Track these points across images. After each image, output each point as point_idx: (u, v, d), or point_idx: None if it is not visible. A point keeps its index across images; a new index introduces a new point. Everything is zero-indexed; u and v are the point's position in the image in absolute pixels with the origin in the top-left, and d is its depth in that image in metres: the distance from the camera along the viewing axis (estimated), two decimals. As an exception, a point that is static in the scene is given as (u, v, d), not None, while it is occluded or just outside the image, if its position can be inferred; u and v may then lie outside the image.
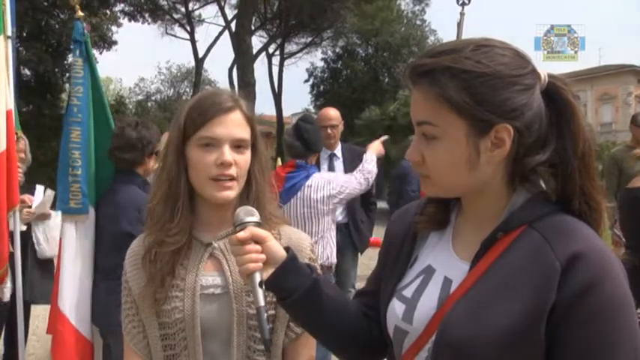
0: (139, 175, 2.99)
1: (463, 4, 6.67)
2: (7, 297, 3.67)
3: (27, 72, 17.50)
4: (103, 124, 3.34)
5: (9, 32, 3.45)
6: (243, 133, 1.38)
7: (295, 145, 3.48)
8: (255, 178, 1.42)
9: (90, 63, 3.41)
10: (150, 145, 2.97)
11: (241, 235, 1.16)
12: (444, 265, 1.08)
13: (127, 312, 1.45)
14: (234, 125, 1.36)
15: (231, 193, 1.36)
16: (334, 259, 3.68)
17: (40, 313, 4.33)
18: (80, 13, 3.50)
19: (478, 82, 0.95)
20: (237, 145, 1.36)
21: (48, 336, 4.23)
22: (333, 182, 3.48)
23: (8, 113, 3.27)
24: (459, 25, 6.47)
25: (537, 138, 0.99)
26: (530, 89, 0.97)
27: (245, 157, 1.38)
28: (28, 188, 4.02)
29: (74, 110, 3.28)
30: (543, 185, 1.01)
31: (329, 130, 4.36)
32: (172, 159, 1.37)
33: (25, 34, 16.78)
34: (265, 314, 1.12)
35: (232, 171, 1.34)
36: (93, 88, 3.39)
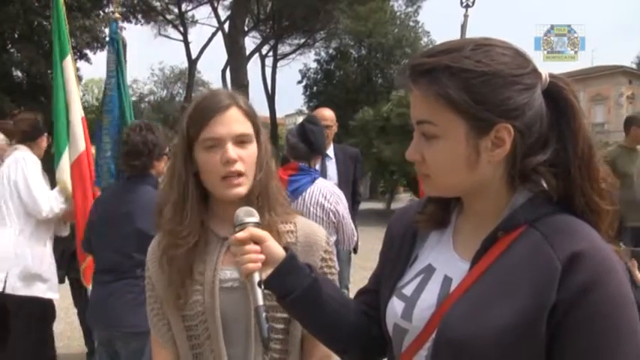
0: (152, 176, 2.96)
1: (467, 7, 6.65)
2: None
3: (18, 74, 17.42)
4: (127, 112, 3.95)
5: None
6: (244, 128, 1.39)
7: (299, 147, 3.35)
8: (261, 170, 1.43)
9: (119, 59, 3.97)
10: (157, 148, 2.90)
11: (240, 235, 1.17)
12: (444, 264, 1.08)
13: (152, 305, 1.51)
14: (233, 122, 1.38)
15: (242, 189, 1.38)
16: (337, 266, 3.61)
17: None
18: (117, 15, 4.17)
19: (478, 81, 0.95)
20: (240, 141, 1.38)
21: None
22: (335, 197, 3.33)
23: (82, 120, 3.92)
24: (463, 27, 6.45)
25: (538, 138, 0.98)
26: (531, 89, 0.97)
27: (250, 152, 1.40)
28: None
29: (107, 100, 3.90)
30: (545, 184, 1.00)
31: (324, 132, 4.35)
32: (180, 164, 1.41)
33: (16, 36, 16.70)
34: (264, 314, 1.13)
35: (239, 167, 1.36)
36: (119, 81, 3.96)
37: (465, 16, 6.24)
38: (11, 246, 3.58)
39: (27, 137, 3.87)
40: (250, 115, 1.42)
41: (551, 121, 0.99)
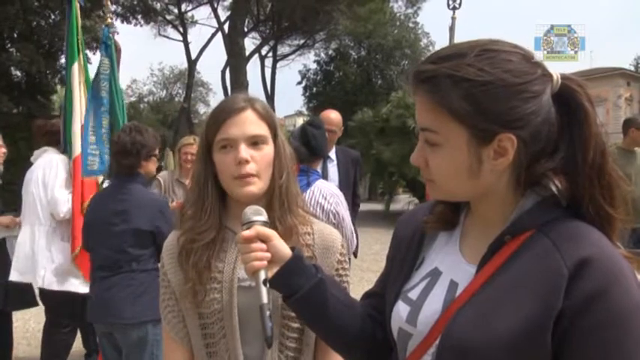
0: (141, 175, 3.09)
1: (454, 9, 6.67)
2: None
3: (17, 73, 17.41)
4: (119, 115, 4.12)
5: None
6: (258, 129, 1.42)
7: (301, 151, 3.32)
8: (276, 172, 1.46)
9: (112, 64, 4.09)
10: (145, 149, 3.04)
11: (247, 233, 1.18)
12: (450, 267, 1.06)
13: (167, 302, 1.51)
14: (246, 123, 1.41)
15: (254, 188, 1.41)
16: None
17: (31, 316, 4.32)
18: (109, 21, 4.32)
19: (480, 90, 0.91)
20: (254, 142, 1.42)
21: (39, 338, 4.23)
22: (335, 198, 3.29)
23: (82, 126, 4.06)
24: (451, 29, 6.47)
25: (546, 144, 0.95)
26: (538, 96, 0.93)
27: (263, 153, 1.42)
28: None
29: (104, 102, 4.02)
30: (554, 188, 0.98)
31: (326, 134, 4.32)
32: (199, 165, 1.47)
33: (16, 36, 16.69)
34: (268, 312, 1.14)
35: (251, 167, 1.39)
36: (112, 83, 4.10)
37: (453, 18, 6.26)
38: (46, 244, 3.86)
39: (58, 140, 4.17)
40: (266, 118, 1.45)
41: (562, 126, 0.95)
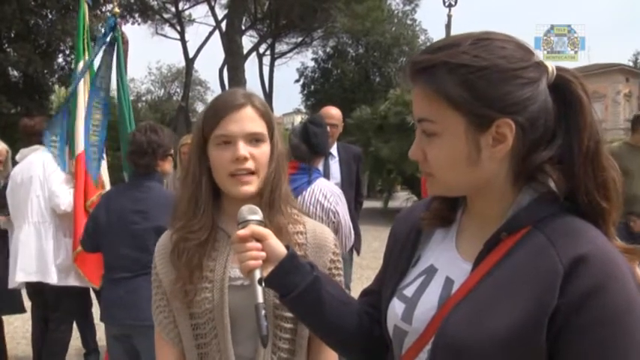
0: (158, 173, 3.10)
1: (450, 6, 6.66)
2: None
3: (15, 73, 17.40)
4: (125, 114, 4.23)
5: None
6: (257, 127, 1.41)
7: (301, 148, 3.34)
8: (270, 171, 1.44)
9: (119, 59, 4.14)
10: (161, 149, 3.04)
11: (242, 232, 1.17)
12: (446, 264, 1.05)
13: (158, 303, 1.50)
14: (246, 120, 1.39)
15: (251, 187, 1.39)
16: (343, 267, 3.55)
17: (29, 316, 4.30)
18: (117, 10, 4.31)
19: (476, 76, 0.92)
20: (253, 139, 1.40)
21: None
22: (335, 197, 3.29)
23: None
24: (448, 26, 6.47)
25: (543, 133, 0.95)
26: (534, 82, 0.94)
27: (262, 151, 1.41)
28: None
29: (98, 99, 4.09)
30: (552, 184, 0.97)
31: (327, 128, 4.31)
32: (194, 161, 1.44)
33: (13, 35, 16.67)
34: (263, 311, 1.13)
35: (249, 165, 1.38)
36: (119, 80, 4.19)
37: (449, 15, 6.26)
38: (52, 241, 3.93)
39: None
40: (265, 115, 1.43)
41: (558, 116, 0.96)
